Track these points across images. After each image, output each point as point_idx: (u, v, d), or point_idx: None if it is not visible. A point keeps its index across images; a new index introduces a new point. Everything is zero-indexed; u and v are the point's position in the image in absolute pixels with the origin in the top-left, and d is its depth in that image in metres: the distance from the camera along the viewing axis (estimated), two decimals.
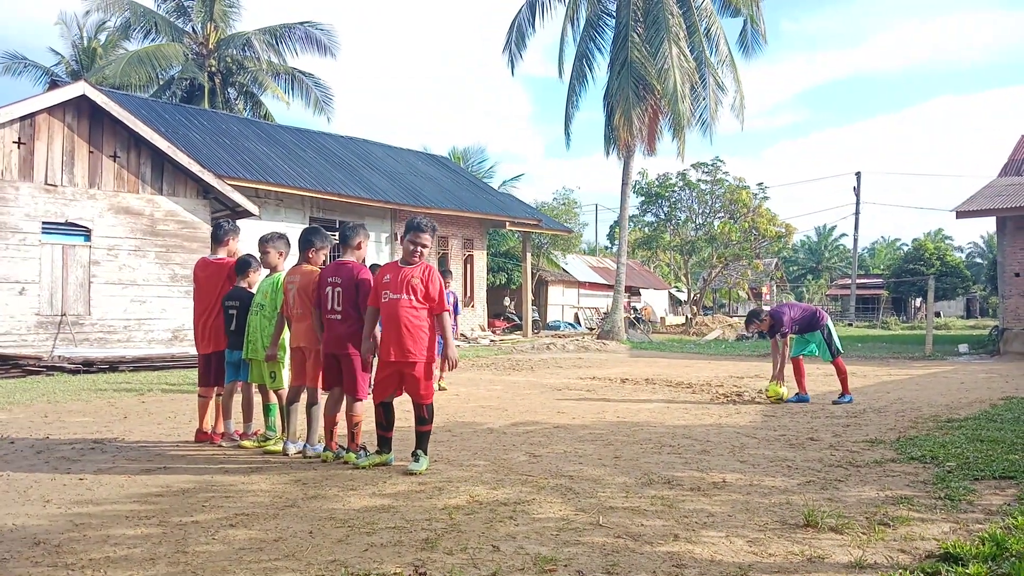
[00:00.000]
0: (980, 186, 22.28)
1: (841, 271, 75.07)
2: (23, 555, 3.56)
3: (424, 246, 5.42)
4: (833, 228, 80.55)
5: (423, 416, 5.38)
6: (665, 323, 41.57)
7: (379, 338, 5.47)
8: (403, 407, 5.87)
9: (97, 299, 14.45)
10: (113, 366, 13.12)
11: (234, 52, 32.24)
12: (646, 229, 38.94)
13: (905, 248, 71.94)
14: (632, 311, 35.68)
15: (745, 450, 6.19)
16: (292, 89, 32.80)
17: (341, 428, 5.88)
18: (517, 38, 26.51)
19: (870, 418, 7.94)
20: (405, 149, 29.25)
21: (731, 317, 42.50)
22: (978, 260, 75.42)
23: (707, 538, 3.82)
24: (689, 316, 38.22)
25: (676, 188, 36.91)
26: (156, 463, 5.66)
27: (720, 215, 36.73)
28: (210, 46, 31.74)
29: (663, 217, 37.96)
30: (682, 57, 24.18)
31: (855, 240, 51.12)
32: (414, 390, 5.37)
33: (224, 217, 15.72)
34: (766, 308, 10.62)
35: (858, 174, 47.24)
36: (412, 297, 5.31)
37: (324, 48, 31.71)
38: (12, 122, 13.58)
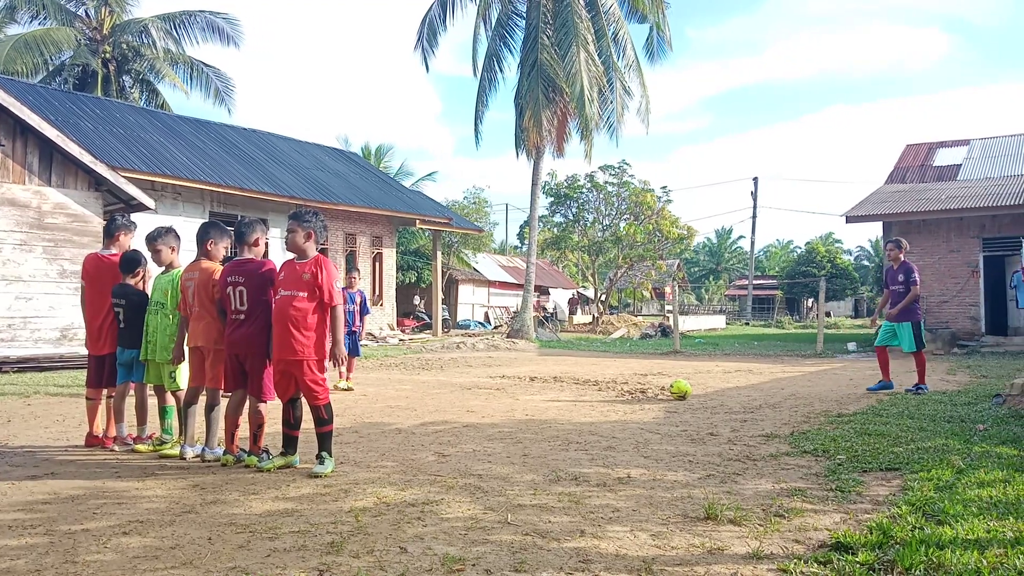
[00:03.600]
0: (868, 192, 23.53)
1: (739, 272, 77.91)
2: None
3: (290, 232, 5.38)
4: (731, 231, 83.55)
5: (321, 417, 5.27)
6: (573, 322, 42.16)
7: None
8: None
9: None
10: None
11: (130, 39, 30.81)
12: (555, 229, 39.40)
13: (798, 251, 75.19)
14: (543, 310, 36.03)
15: (649, 446, 6.33)
16: (192, 79, 31.61)
17: (242, 431, 5.70)
18: (429, 35, 26.41)
19: (766, 413, 8.25)
20: (312, 143, 28.63)
21: (635, 316, 43.50)
22: (866, 263, 79.46)
23: (612, 533, 3.89)
24: (596, 315, 38.87)
25: (584, 190, 37.49)
26: (43, 469, 5.36)
27: (626, 217, 37.49)
28: (104, 31, 30.25)
29: (571, 218, 38.48)
30: (590, 61, 24.57)
31: (752, 243, 53.13)
32: (305, 390, 5.26)
33: (118, 211, 15.03)
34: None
35: (756, 179, 49.11)
36: (301, 293, 5.22)
37: (227, 37, 30.74)
38: None
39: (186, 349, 5.88)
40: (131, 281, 6.28)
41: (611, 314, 40.70)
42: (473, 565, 3.40)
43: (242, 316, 5.46)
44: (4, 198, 13.96)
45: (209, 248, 5.88)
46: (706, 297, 73.67)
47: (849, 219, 21.88)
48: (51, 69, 29.32)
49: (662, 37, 26.71)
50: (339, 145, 33.92)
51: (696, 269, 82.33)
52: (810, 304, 58.51)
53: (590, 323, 38.49)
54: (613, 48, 25.86)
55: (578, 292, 51.79)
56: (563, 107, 25.50)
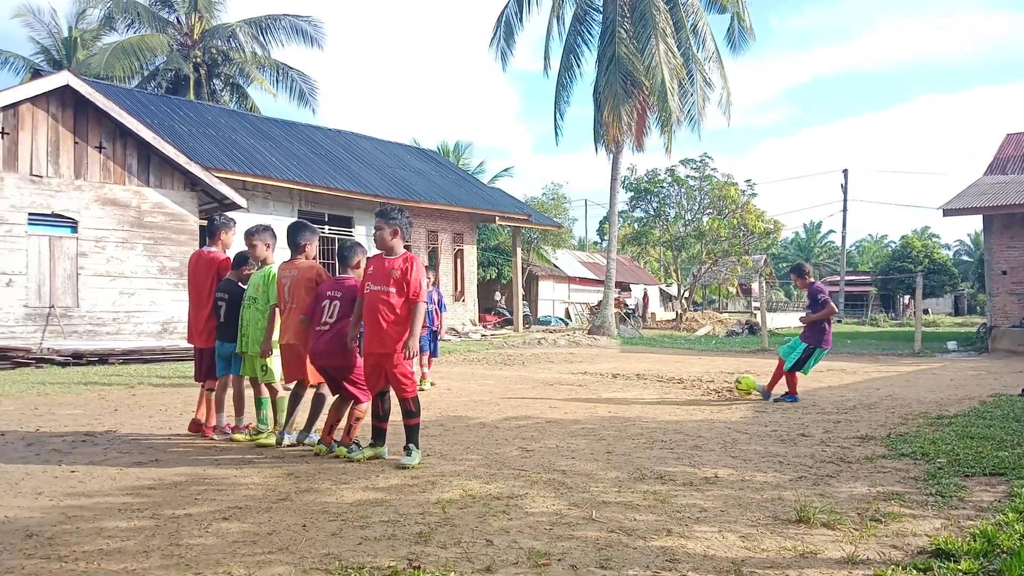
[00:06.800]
0: (967, 184, 22.44)
1: (830, 268, 75.39)
2: (16, 547, 3.53)
3: (377, 229, 5.49)
4: (820, 224, 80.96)
5: (409, 409, 5.38)
6: (655, 318, 41.66)
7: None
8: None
9: (85, 291, 14.36)
10: (103, 358, 13.05)
11: (219, 43, 32.01)
12: (635, 225, 38.96)
13: (893, 245, 72.28)
14: (624, 306, 35.70)
15: (736, 445, 6.21)
16: (278, 81, 32.58)
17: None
18: (505, 32, 26.42)
19: (861, 414, 7.99)
20: (393, 142, 29.14)
21: (721, 313, 42.70)
22: (965, 258, 75.89)
23: (700, 533, 3.84)
24: (679, 312, 38.32)
25: (665, 184, 36.91)
26: (148, 456, 5.64)
27: (708, 211, 36.76)
28: (195, 37, 31.52)
29: (652, 213, 37.96)
30: (669, 53, 24.18)
31: (843, 237, 51.54)
32: (394, 382, 5.37)
33: (212, 210, 15.65)
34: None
35: (845, 171, 47.60)
36: (391, 288, 5.32)
37: (311, 39, 31.59)
38: None
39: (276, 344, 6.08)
40: (234, 277, 6.54)
41: (695, 311, 40.02)
42: (559, 560, 3.41)
43: (327, 327, 5.59)
44: (107, 198, 14.71)
45: (306, 248, 6.07)
46: (795, 294, 71.63)
47: (946, 212, 20.91)
48: (146, 74, 30.77)
49: (743, 27, 26.09)
50: (422, 143, 34.42)
51: (784, 265, 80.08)
52: (907, 301, 56.22)
53: (673, 320, 37.95)
54: (692, 40, 25.39)
55: (660, 288, 51.11)
56: (642, 101, 25.18)
